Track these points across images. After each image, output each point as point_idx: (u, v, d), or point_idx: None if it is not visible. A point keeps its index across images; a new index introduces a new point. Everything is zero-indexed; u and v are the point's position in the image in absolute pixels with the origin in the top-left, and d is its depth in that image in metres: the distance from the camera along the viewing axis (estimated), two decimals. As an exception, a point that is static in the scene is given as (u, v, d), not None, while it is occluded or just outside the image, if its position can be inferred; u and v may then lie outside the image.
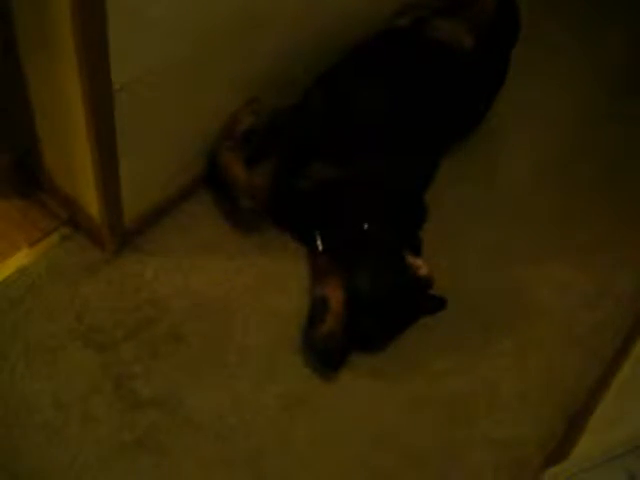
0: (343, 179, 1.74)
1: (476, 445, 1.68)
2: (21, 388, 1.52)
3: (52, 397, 1.52)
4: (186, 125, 1.68)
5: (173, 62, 1.45)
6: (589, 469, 1.51)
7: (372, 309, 1.64)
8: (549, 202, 2.20)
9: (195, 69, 1.53)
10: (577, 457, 1.58)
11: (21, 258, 1.67)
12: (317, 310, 1.68)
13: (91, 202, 1.60)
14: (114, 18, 1.19)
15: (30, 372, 1.54)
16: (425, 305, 1.73)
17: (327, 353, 1.64)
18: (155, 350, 1.63)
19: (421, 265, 1.70)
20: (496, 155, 2.26)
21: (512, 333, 1.88)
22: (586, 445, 1.60)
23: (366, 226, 1.73)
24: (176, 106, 1.58)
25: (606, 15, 2.81)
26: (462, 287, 1.89)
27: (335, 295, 1.65)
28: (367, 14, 2.04)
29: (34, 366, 1.55)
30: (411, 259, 1.70)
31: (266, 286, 1.78)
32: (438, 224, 1.93)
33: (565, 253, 2.09)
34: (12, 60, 1.42)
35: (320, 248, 1.77)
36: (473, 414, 1.73)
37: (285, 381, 1.66)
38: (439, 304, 1.73)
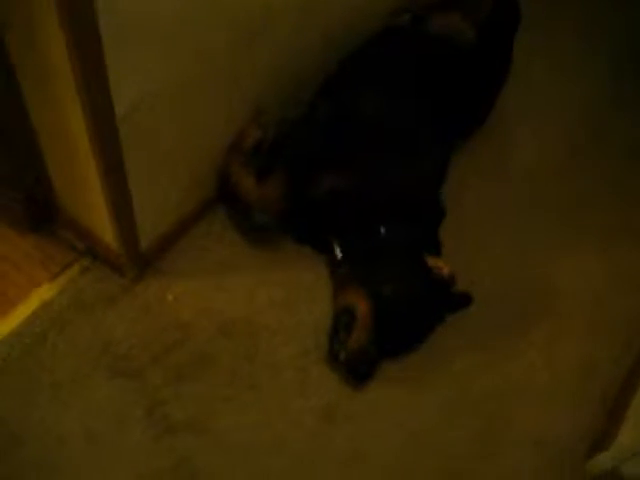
0: (355, 185, 1.73)
1: (515, 442, 1.66)
2: (52, 422, 1.52)
3: (84, 429, 1.52)
4: (194, 144, 1.67)
5: (173, 82, 1.44)
6: (632, 457, 1.48)
7: (399, 317, 1.62)
8: (565, 189, 2.18)
9: (196, 88, 1.52)
10: (619, 447, 1.55)
11: (42, 293, 1.68)
12: (343, 322, 1.66)
13: (106, 231, 1.60)
14: (110, 47, 1.19)
15: (60, 406, 1.54)
16: (450, 304, 1.70)
17: (357, 366, 1.62)
18: (183, 373, 1.62)
19: (442, 265, 1.68)
20: (508, 146, 2.23)
21: (540, 325, 1.86)
22: (627, 434, 1.56)
23: (383, 230, 1.72)
24: (181, 126, 1.57)
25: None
26: (485, 282, 1.87)
27: (360, 306, 1.63)
28: (366, 15, 2.03)
29: (64, 400, 1.55)
30: (431, 260, 1.68)
31: (289, 299, 1.77)
32: (456, 221, 1.91)
33: (587, 239, 2.07)
34: (15, 99, 1.42)
35: (339, 257, 1.76)
36: (507, 411, 1.70)
37: (316, 394, 1.65)
38: (464, 301, 1.71)
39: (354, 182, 1.73)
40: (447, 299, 1.69)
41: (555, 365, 1.79)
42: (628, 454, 1.52)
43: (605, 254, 2.04)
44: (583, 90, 2.46)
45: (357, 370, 1.63)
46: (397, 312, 1.62)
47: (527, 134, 2.29)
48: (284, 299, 1.77)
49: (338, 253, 1.76)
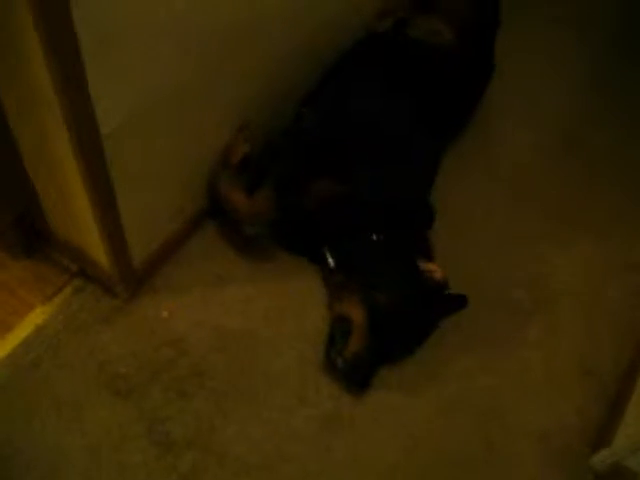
0: (345, 193, 1.73)
1: (516, 440, 1.66)
2: (54, 446, 1.51)
3: (86, 450, 1.51)
4: (182, 160, 1.67)
5: (157, 99, 1.44)
6: (636, 452, 1.47)
7: (394, 323, 1.62)
8: (556, 180, 2.18)
9: (181, 103, 1.52)
10: (621, 441, 1.55)
11: (37, 316, 1.67)
12: (339, 330, 1.66)
13: (98, 251, 1.60)
14: (92, 66, 1.19)
15: (61, 428, 1.53)
16: (445, 306, 1.70)
17: (355, 374, 1.62)
18: (182, 389, 1.62)
19: (434, 269, 1.68)
20: (496, 143, 2.24)
21: (538, 320, 1.86)
22: (629, 428, 1.56)
23: (374, 237, 1.72)
24: (168, 143, 1.57)
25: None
26: (481, 280, 1.87)
27: (355, 313, 1.63)
28: (348, 23, 2.04)
29: (64, 422, 1.54)
30: (423, 264, 1.68)
31: (283, 310, 1.77)
32: (447, 222, 1.91)
33: (582, 229, 2.07)
34: (0, 125, 1.42)
35: (332, 265, 1.76)
36: (508, 408, 1.70)
37: (315, 403, 1.64)
38: (460, 302, 1.71)
39: (343, 189, 1.73)
40: (441, 302, 1.70)
41: (553, 360, 1.79)
42: (631, 449, 1.51)
43: (599, 246, 2.04)
44: (568, 80, 2.47)
45: (355, 377, 1.62)
46: (392, 318, 1.61)
47: (514, 129, 2.30)
48: (279, 310, 1.77)
49: (330, 261, 1.76)
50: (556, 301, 1.91)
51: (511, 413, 1.69)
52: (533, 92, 2.41)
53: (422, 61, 1.92)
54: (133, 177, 1.51)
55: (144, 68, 1.35)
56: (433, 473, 1.59)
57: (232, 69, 1.64)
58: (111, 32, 1.21)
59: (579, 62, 2.54)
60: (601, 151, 2.28)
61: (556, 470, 1.62)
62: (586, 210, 2.12)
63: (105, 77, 1.25)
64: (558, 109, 2.37)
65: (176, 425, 1.57)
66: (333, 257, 1.76)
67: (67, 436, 1.52)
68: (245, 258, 1.84)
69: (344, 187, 1.73)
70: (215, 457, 1.54)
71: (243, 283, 1.80)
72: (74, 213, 1.54)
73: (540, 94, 2.41)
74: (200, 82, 1.55)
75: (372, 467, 1.58)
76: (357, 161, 1.75)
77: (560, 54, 2.55)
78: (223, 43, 1.54)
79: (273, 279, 1.82)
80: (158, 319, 1.71)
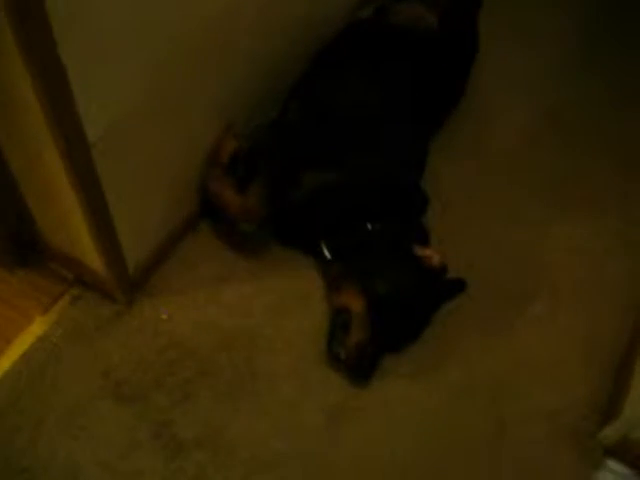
0: (336, 183, 1.72)
1: (527, 419, 1.66)
2: (63, 456, 1.51)
3: (95, 459, 1.51)
4: (171, 161, 1.66)
5: (142, 102, 1.42)
6: (643, 424, 1.48)
7: (394, 311, 1.61)
8: (545, 162, 2.17)
9: (166, 104, 1.51)
10: (628, 414, 1.55)
11: (36, 328, 1.67)
12: (339, 321, 1.66)
13: (93, 258, 1.59)
14: (75, 75, 1.18)
15: (68, 438, 1.53)
16: (444, 291, 1.70)
17: (358, 365, 1.62)
18: (186, 391, 1.61)
19: (431, 254, 1.67)
20: (484, 125, 2.22)
21: (539, 300, 1.85)
22: (636, 401, 1.56)
23: (369, 226, 1.71)
24: (157, 145, 1.56)
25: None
26: (478, 264, 1.86)
27: (355, 304, 1.63)
28: (329, 12, 2.03)
29: (71, 432, 1.54)
30: (420, 250, 1.68)
31: (283, 305, 1.77)
32: (441, 208, 1.91)
33: (574, 209, 2.06)
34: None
35: (328, 257, 1.75)
36: (517, 389, 1.70)
37: (321, 396, 1.64)
38: (458, 286, 1.71)
39: (334, 179, 1.72)
40: (441, 287, 1.69)
41: (556, 339, 1.79)
42: (637, 423, 1.52)
43: (595, 223, 2.03)
44: (554, 58, 2.45)
45: (359, 368, 1.62)
46: (392, 306, 1.61)
47: (502, 111, 2.28)
48: (279, 305, 1.77)
49: (327, 253, 1.75)
50: (556, 280, 1.90)
51: (519, 393, 1.69)
52: (519, 72, 2.39)
53: (406, 46, 1.91)
54: (124, 183, 1.50)
55: (124, 74, 1.34)
56: (444, 460, 1.59)
57: (214, 68, 1.63)
58: (90, 39, 1.20)
59: (565, 40, 2.52)
60: (590, 129, 2.26)
61: (566, 446, 1.63)
62: (580, 190, 2.11)
63: (88, 85, 1.24)
64: (545, 89, 2.36)
65: (183, 427, 1.56)
66: (329, 249, 1.75)
67: (76, 445, 1.52)
68: (241, 256, 1.83)
69: (334, 176, 1.72)
70: (224, 456, 1.54)
71: (241, 281, 1.80)
72: (67, 222, 1.54)
73: (526, 74, 2.39)
74: (183, 82, 1.54)
75: (382, 457, 1.58)
76: (344, 151, 1.74)
77: (545, 33, 2.53)
78: (204, 43, 1.53)
79: (271, 275, 1.81)
80: (158, 322, 1.71)
